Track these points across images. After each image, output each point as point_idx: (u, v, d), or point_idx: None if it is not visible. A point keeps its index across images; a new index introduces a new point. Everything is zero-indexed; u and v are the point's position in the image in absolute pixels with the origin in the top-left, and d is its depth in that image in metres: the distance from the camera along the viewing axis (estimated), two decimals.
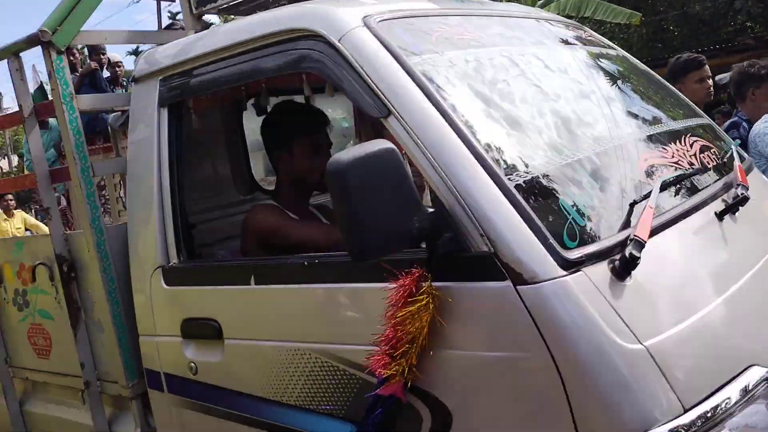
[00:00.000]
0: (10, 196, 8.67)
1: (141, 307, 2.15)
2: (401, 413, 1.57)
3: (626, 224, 1.56)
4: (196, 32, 2.27)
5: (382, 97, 1.58)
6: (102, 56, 8.33)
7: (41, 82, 9.88)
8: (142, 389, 2.25)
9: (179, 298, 2.05)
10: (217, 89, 1.99)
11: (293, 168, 2.19)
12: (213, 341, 1.96)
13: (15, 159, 26.58)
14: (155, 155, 2.11)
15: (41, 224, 8.92)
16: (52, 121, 8.50)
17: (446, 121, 1.53)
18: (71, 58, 8.49)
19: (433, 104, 1.55)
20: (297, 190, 2.24)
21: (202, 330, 1.98)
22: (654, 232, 1.50)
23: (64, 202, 8.89)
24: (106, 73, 7.94)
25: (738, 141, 3.16)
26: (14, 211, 8.70)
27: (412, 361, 1.49)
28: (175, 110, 2.12)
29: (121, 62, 9.26)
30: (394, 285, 1.47)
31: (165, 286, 2.07)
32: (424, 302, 1.44)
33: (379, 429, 1.58)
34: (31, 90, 9.44)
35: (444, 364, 1.49)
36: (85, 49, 8.49)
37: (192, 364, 2.01)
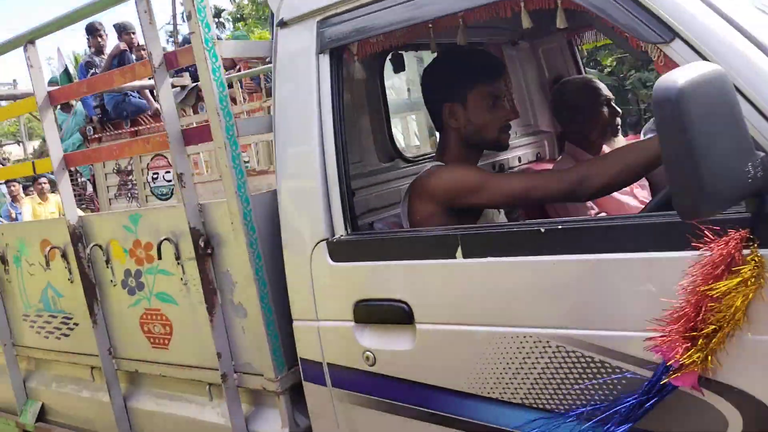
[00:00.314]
0: (44, 180, 8.44)
1: (297, 287, 1.85)
2: (688, 412, 1.26)
3: None
4: None
5: (664, 17, 1.26)
6: (132, 36, 8.06)
7: (66, 65, 9.69)
8: (291, 382, 1.95)
9: (351, 276, 1.74)
10: (400, 27, 1.67)
11: (468, 123, 1.88)
12: (399, 326, 1.65)
13: (30, 146, 26.31)
14: (315, 110, 1.79)
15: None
16: (77, 105, 8.25)
17: (756, 45, 1.21)
18: (99, 40, 8.27)
19: (733, 26, 1.23)
20: (468, 150, 1.93)
21: (384, 313, 1.68)
22: None
23: (90, 189, 8.70)
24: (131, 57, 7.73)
25: None
26: (48, 195, 8.46)
27: (717, 347, 1.18)
28: (337, 57, 1.80)
29: (144, 46, 8.97)
30: (705, 252, 1.16)
31: (331, 262, 1.76)
32: (750, 274, 1.13)
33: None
34: (57, 74, 9.13)
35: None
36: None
37: (368, 353, 1.71)
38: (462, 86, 1.86)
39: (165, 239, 2.06)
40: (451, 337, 1.57)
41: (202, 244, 1.96)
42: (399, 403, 1.68)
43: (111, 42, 8.21)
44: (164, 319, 2.20)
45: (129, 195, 8.12)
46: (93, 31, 8.11)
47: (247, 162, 6.40)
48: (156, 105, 7.80)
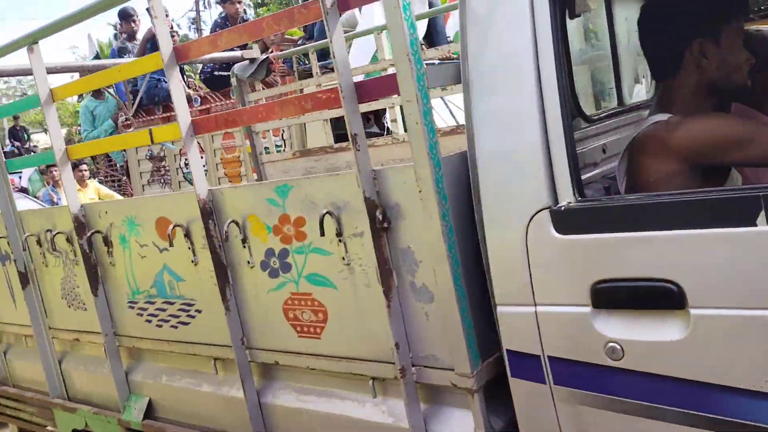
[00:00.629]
0: (84, 166, 8.28)
1: (504, 266, 1.55)
2: None
3: None
4: None
5: None
6: (166, 17, 7.77)
7: (97, 51, 9.44)
8: (487, 378, 1.66)
9: (587, 251, 1.43)
10: None
11: (721, 63, 1.55)
12: (661, 312, 1.35)
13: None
14: (530, 51, 1.48)
15: (115, 194, 8.49)
16: (107, 93, 8.03)
17: None
18: (132, 25, 8.04)
19: None
20: (709, 99, 1.60)
21: (640, 297, 1.37)
22: None
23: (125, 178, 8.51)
24: None
25: None
26: (87, 182, 8.28)
27: None
28: None
29: (176, 31, 8.87)
30: None
31: (557, 235, 1.46)
32: None
33: None
34: (89, 59, 8.92)
35: None
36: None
37: (614, 345, 1.41)
38: (716, 20, 1.53)
39: (327, 213, 1.76)
40: (747, 324, 1.25)
41: (379, 216, 1.66)
42: (657, 405, 1.38)
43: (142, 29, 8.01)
44: (317, 304, 1.91)
45: (162, 181, 7.90)
46: (127, 16, 7.91)
47: (279, 146, 6.12)
48: (188, 91, 7.52)
